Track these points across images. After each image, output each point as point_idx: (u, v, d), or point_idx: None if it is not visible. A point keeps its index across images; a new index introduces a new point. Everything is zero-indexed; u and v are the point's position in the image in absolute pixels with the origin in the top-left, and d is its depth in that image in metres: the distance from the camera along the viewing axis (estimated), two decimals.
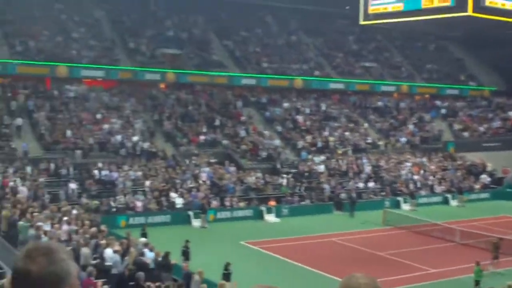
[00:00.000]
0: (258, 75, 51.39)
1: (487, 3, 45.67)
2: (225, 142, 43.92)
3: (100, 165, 36.98)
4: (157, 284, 17.81)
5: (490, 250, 27.54)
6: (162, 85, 49.31)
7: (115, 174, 36.42)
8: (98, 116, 42.15)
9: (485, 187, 47.22)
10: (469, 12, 45.42)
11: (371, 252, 30.02)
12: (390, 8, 50.05)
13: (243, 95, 50.93)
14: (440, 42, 65.04)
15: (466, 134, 52.96)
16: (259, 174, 41.18)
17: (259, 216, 37.38)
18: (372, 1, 51.06)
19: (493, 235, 31.88)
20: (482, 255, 29.43)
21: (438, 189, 45.23)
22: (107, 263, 19.80)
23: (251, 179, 40.37)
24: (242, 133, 45.37)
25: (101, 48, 47.80)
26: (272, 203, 38.59)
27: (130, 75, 46.79)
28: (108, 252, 20.11)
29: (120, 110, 43.92)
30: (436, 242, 32.41)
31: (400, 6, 49.26)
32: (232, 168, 41.16)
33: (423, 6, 47.73)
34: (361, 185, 42.96)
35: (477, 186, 46.84)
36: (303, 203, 39.95)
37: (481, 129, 53.72)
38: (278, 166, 42.95)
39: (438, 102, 57.14)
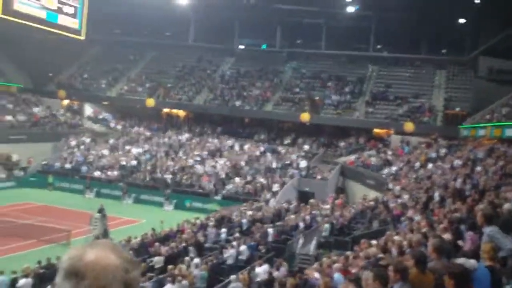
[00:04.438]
0: None
1: (15, 7, 45.66)
2: None
3: None
4: None
5: None
6: None
7: None
8: None
9: (10, 176, 47.04)
10: None
11: None
12: None
13: None
14: None
15: None
16: None
17: None
18: None
19: (16, 221, 32.38)
20: (6, 240, 29.67)
21: None
22: None
23: None
24: None
25: None
26: None
27: None
28: None
29: None
30: None
31: None
32: None
33: None
34: None
35: (3, 175, 46.38)
36: None
37: (8, 122, 53.18)
38: None
39: None
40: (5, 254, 26.74)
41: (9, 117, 53.46)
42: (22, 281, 19.69)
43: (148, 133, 55.76)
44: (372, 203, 30.37)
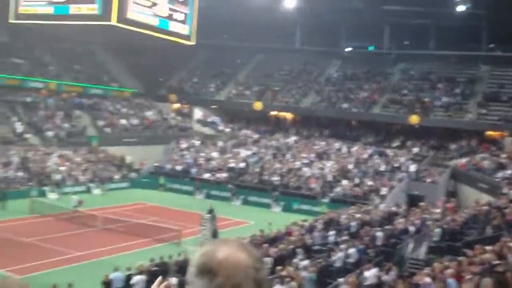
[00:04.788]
0: None
1: (128, 16, 47.46)
2: None
3: None
4: None
5: None
6: None
7: None
8: None
9: (124, 177, 49.02)
10: (113, 22, 46.71)
11: (19, 239, 29.34)
12: (41, 11, 49.09)
13: None
14: (87, 46, 65.38)
15: (108, 130, 54.24)
16: None
17: None
18: (22, 2, 49.54)
19: (130, 220, 33.69)
20: (120, 238, 30.98)
21: (82, 179, 45.72)
22: None
23: None
24: None
25: None
26: None
27: None
28: None
29: None
30: (81, 228, 32.81)
31: (50, 10, 48.61)
32: None
33: (70, 12, 47.82)
34: (9, 175, 41.47)
35: (117, 177, 48.40)
36: None
37: (122, 126, 55.51)
38: None
39: (84, 100, 57.42)
40: (120, 252, 27.86)
41: (123, 121, 55.76)
42: (136, 278, 20.39)
43: (256, 136, 56.40)
44: (485, 207, 29.21)
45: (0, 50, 56.02)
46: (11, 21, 50.12)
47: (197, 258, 1.86)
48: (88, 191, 44.58)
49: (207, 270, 1.81)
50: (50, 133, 49.62)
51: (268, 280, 1.91)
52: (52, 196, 41.40)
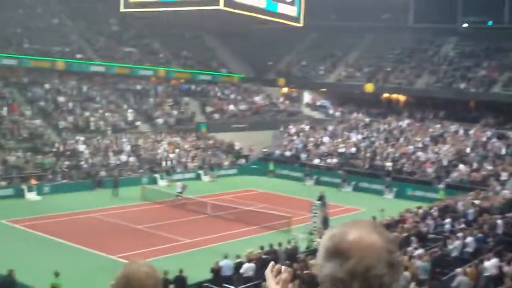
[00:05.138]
0: (19, 56, 48.32)
1: (236, 0, 47.54)
2: None
3: None
4: None
5: None
6: None
7: None
8: None
9: (233, 163, 49.21)
10: (221, 6, 46.92)
11: (131, 226, 29.99)
12: None
13: (4, 76, 47.66)
14: (195, 32, 66.23)
15: (217, 116, 54.65)
16: (20, 153, 39.07)
17: (20, 194, 35.47)
18: None
19: (239, 207, 33.62)
20: (230, 225, 30.96)
21: (191, 166, 46.30)
22: None
23: (11, 158, 38.20)
24: (3, 112, 42.63)
25: None
26: (33, 181, 36.86)
27: None
28: None
29: None
30: (190, 215, 33.15)
31: None
32: None
33: None
34: (120, 163, 42.65)
35: (226, 163, 48.65)
36: (64, 181, 38.63)
37: (231, 112, 55.81)
38: (40, 145, 41.06)
39: (192, 86, 58.23)
40: (230, 239, 27.76)
41: (231, 107, 56.01)
42: (245, 266, 20.11)
43: (367, 119, 54.95)
44: None
45: (111, 39, 57.82)
46: (122, 10, 51.51)
47: (327, 240, 1.79)
48: (197, 178, 45.06)
49: (338, 252, 1.74)
50: (159, 120, 50.57)
51: (402, 263, 1.83)
52: (162, 183, 42.15)
